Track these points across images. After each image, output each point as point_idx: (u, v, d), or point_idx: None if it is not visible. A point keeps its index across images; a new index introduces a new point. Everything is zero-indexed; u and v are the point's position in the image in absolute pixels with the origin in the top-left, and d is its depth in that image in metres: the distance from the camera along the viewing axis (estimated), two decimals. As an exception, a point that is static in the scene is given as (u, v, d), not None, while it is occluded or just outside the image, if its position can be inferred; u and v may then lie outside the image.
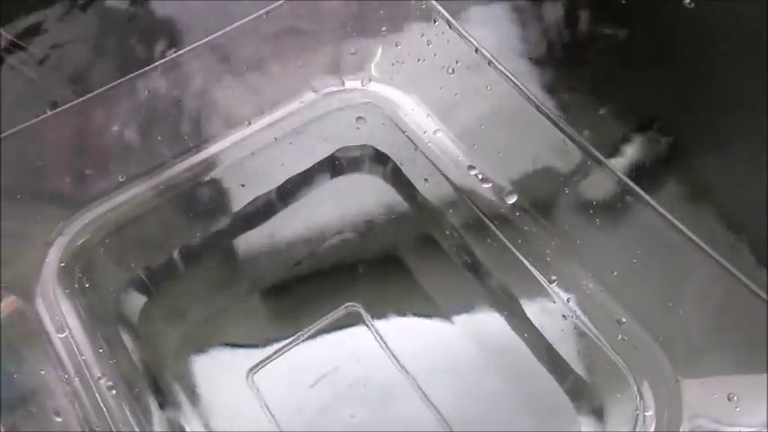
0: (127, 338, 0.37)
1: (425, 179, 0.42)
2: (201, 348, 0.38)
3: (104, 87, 0.37)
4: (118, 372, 0.36)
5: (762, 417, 0.31)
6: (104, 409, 0.34)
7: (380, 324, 0.38)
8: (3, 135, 0.35)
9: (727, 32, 0.31)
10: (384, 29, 0.43)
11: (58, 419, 0.33)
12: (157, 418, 0.35)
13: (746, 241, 0.32)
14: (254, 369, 0.37)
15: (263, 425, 0.36)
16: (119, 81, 0.38)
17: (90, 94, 0.37)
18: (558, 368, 0.36)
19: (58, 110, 0.37)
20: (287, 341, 0.38)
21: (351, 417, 0.36)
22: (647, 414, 0.34)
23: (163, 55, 0.39)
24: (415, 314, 0.39)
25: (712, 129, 0.33)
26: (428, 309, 0.39)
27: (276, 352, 0.38)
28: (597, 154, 0.35)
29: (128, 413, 0.35)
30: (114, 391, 0.35)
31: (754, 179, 0.32)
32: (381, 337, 0.38)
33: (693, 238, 0.33)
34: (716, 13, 0.30)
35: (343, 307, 0.39)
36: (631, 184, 0.34)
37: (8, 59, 0.34)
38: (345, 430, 0.36)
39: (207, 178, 0.42)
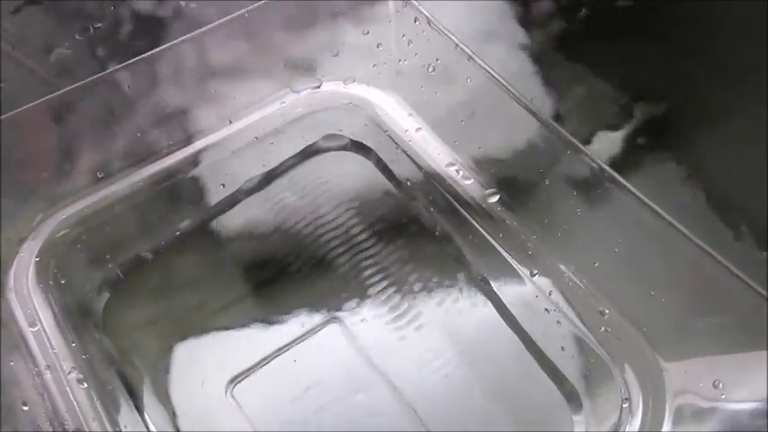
0: (100, 336, 0.37)
1: (407, 178, 0.42)
2: (179, 352, 0.37)
3: (83, 81, 0.37)
4: (90, 367, 0.35)
5: (747, 398, 0.30)
6: (75, 402, 0.34)
7: (364, 333, 0.37)
8: (-21, 127, 0.35)
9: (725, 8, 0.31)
10: (365, 30, 0.43)
11: (25, 408, 0.32)
12: (128, 415, 0.34)
13: (729, 225, 0.32)
14: (233, 378, 0.36)
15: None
16: (99, 75, 0.38)
17: (69, 87, 0.37)
18: (541, 362, 0.36)
19: (36, 102, 0.37)
20: (268, 350, 0.37)
21: (334, 429, 0.35)
22: (631, 404, 0.33)
23: (143, 51, 0.39)
24: (398, 319, 0.38)
25: (694, 113, 0.33)
26: (411, 311, 0.38)
27: (257, 362, 0.37)
28: (577, 143, 0.35)
29: (98, 407, 0.34)
30: (85, 384, 0.34)
31: (737, 162, 0.32)
32: (365, 348, 0.37)
33: (675, 223, 0.32)
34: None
35: (326, 315, 0.38)
36: (611, 171, 0.34)
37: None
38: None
39: (186, 177, 0.41)
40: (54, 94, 0.37)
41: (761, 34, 0.30)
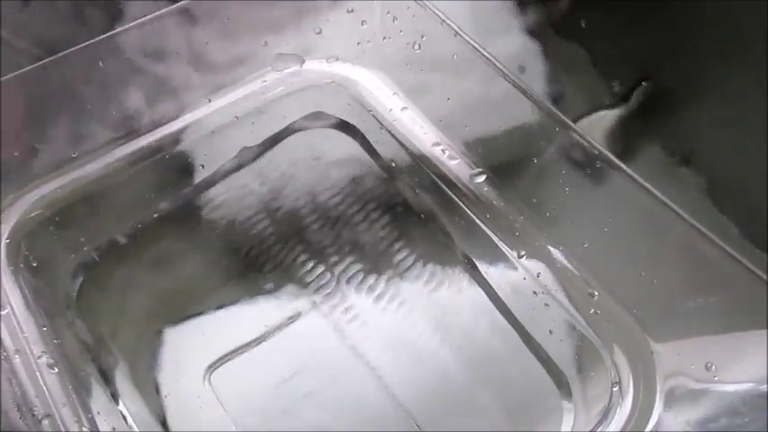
0: (74, 320, 0.36)
1: (392, 158, 0.41)
2: (155, 338, 0.36)
3: (57, 55, 0.36)
4: (62, 352, 0.34)
5: (740, 380, 0.29)
6: (45, 387, 0.32)
7: (349, 317, 0.37)
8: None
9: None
10: (350, 8, 0.42)
11: (-8, 393, 0.31)
12: (102, 401, 0.33)
13: (722, 205, 0.31)
14: (212, 366, 0.35)
15: (221, 426, 0.33)
16: (72, 50, 0.36)
17: (41, 62, 0.36)
18: (530, 346, 0.35)
19: (7, 77, 0.35)
20: (248, 336, 0.36)
21: (316, 419, 0.34)
22: (621, 387, 0.33)
23: (119, 25, 0.37)
24: (383, 303, 0.37)
25: (688, 92, 0.32)
26: (396, 294, 0.37)
27: (236, 348, 0.36)
28: (567, 121, 0.34)
29: (71, 392, 0.33)
30: (56, 369, 0.33)
31: (731, 141, 0.32)
32: (350, 332, 0.36)
33: (667, 202, 0.32)
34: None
35: (309, 299, 0.37)
36: (602, 149, 0.33)
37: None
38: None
39: (165, 157, 0.40)
40: (25, 69, 0.36)
41: (760, 13, 0.29)
